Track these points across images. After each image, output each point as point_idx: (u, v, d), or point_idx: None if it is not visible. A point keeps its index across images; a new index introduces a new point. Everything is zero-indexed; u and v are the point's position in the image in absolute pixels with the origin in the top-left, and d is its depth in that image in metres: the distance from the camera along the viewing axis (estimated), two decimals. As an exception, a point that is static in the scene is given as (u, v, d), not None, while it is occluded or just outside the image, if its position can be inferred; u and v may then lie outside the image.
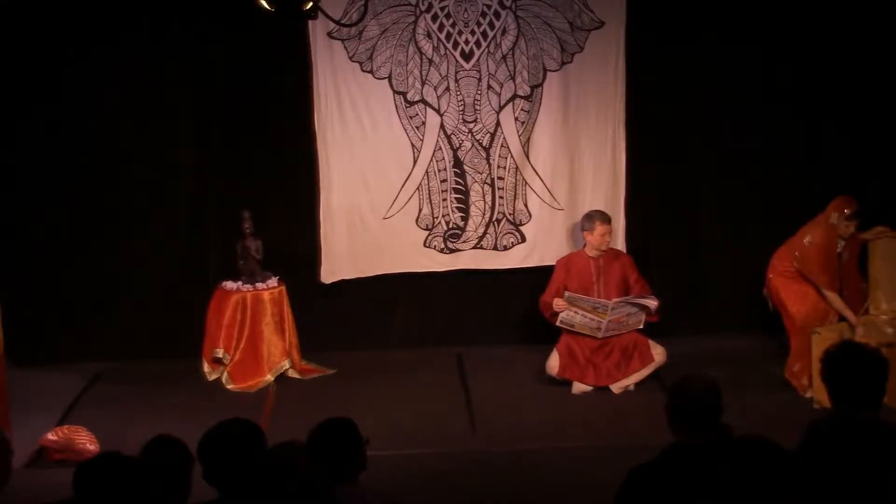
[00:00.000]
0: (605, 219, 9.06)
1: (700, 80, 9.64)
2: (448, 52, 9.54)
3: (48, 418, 8.30)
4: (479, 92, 9.60)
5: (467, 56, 9.56)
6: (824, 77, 9.67)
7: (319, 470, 4.70)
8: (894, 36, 9.40)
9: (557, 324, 8.94)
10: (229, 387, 9.11)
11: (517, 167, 9.71)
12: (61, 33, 9.16)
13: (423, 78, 9.57)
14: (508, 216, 9.79)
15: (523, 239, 9.82)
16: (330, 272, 9.75)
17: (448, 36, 9.53)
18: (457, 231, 9.80)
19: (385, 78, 9.55)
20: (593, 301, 8.84)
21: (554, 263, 9.27)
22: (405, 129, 9.62)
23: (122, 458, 4.26)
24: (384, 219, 9.72)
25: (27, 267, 9.47)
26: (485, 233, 9.81)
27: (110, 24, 9.19)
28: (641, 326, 8.92)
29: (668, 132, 9.77)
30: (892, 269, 8.84)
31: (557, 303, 8.90)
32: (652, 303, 8.85)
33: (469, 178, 9.73)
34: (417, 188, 9.70)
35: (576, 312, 8.88)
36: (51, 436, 7.77)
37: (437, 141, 9.65)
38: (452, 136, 9.66)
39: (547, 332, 9.19)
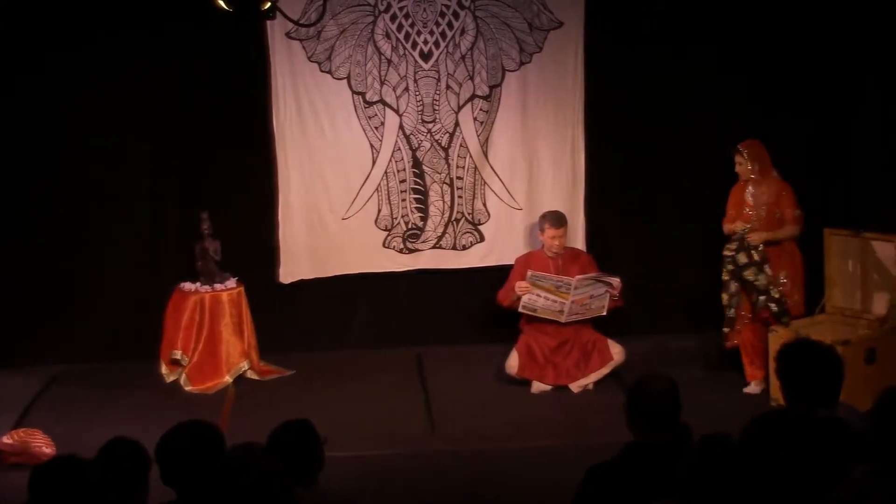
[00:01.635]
0: (556, 223, 9.01)
1: (659, 81, 9.67)
2: (407, 52, 9.55)
3: (3, 422, 8.22)
4: (437, 92, 9.61)
5: (426, 56, 9.57)
6: (780, 76, 9.74)
7: (278, 471, 4.70)
8: (850, 33, 9.46)
9: (520, 308, 8.93)
10: (188, 388, 9.07)
11: (476, 167, 9.73)
12: (17, 33, 9.08)
13: (382, 78, 9.57)
14: (467, 216, 9.80)
15: (482, 238, 9.84)
16: (289, 273, 9.73)
17: (407, 36, 9.53)
18: (416, 231, 9.80)
19: (344, 78, 9.54)
20: (556, 279, 8.82)
21: (513, 262, 9.28)
22: (364, 130, 9.61)
23: (78, 460, 4.24)
24: (343, 219, 9.70)
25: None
26: (444, 233, 9.82)
27: (67, 25, 9.12)
28: (604, 313, 8.92)
29: (627, 132, 9.81)
30: (847, 267, 8.91)
31: (520, 285, 8.88)
32: (614, 279, 8.86)
33: (428, 179, 9.74)
34: (376, 189, 9.69)
35: (538, 296, 8.88)
36: (6, 439, 7.71)
37: (396, 141, 9.66)
38: (411, 136, 9.66)
39: (506, 332, 9.22)
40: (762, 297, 8.43)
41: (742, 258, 8.50)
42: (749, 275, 8.46)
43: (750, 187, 8.70)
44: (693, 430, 4.68)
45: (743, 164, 8.67)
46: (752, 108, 9.75)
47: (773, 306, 8.41)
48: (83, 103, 9.38)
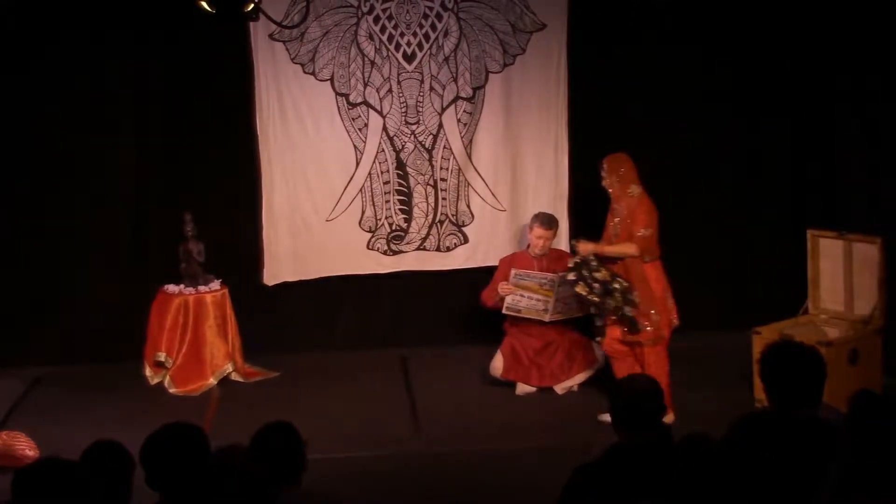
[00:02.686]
0: (545, 223, 9.04)
1: (642, 81, 9.71)
2: (390, 53, 9.55)
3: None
4: (421, 94, 9.62)
5: (409, 58, 9.58)
6: (764, 76, 9.78)
7: (262, 473, 4.71)
8: (831, 33, 9.51)
9: (504, 310, 8.95)
10: (172, 391, 9.07)
11: (460, 168, 9.74)
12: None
13: (366, 80, 9.57)
14: (451, 217, 9.81)
15: (466, 240, 9.86)
16: (273, 274, 9.73)
17: (390, 38, 9.53)
18: (400, 233, 9.81)
19: (327, 80, 9.54)
20: (540, 276, 8.81)
21: (497, 264, 9.29)
22: (347, 131, 9.62)
23: (61, 463, 4.22)
24: (327, 221, 9.71)
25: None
26: (428, 234, 9.83)
27: (49, 24, 9.10)
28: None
29: (611, 133, 9.81)
30: (832, 268, 8.92)
31: (503, 286, 8.89)
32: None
33: (412, 180, 9.74)
34: (360, 190, 9.70)
35: (522, 296, 8.89)
36: (-11, 441, 7.71)
37: (380, 143, 9.66)
38: (395, 137, 9.67)
39: (491, 334, 9.23)
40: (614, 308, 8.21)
41: (584, 272, 8.27)
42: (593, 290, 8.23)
43: (613, 202, 8.45)
44: (678, 430, 4.69)
45: (604, 179, 8.40)
46: (735, 108, 9.82)
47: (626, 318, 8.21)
48: (66, 104, 9.37)
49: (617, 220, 8.34)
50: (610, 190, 8.40)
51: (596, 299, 8.17)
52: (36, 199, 9.36)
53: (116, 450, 4.74)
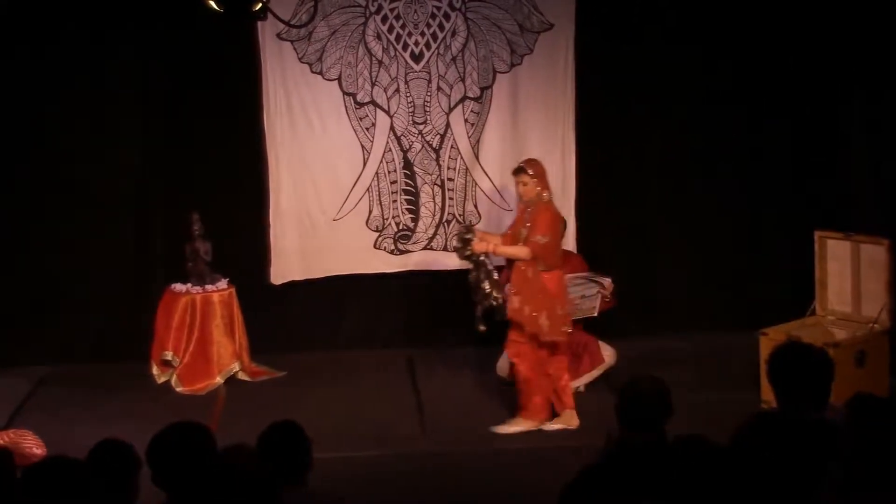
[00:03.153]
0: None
1: (649, 82, 9.73)
2: (398, 53, 9.56)
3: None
4: (428, 93, 9.63)
5: (417, 57, 9.59)
6: (768, 76, 9.79)
7: (268, 472, 4.70)
8: (835, 33, 9.50)
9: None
10: (178, 389, 9.09)
11: (467, 168, 9.75)
12: (1, 32, 9.06)
13: (373, 79, 9.58)
14: (458, 217, 9.82)
15: (473, 240, 9.85)
16: (279, 273, 9.75)
17: (398, 37, 9.55)
18: (407, 232, 9.82)
19: (335, 79, 9.56)
20: None
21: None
22: (355, 131, 9.63)
23: (68, 461, 4.24)
24: (334, 220, 9.73)
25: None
26: (435, 234, 9.84)
27: (52, 23, 9.13)
28: (596, 314, 8.93)
29: (618, 134, 9.85)
30: (840, 270, 8.91)
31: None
32: (605, 280, 8.88)
33: (419, 180, 9.76)
34: (367, 190, 9.71)
35: None
36: (-3, 439, 7.72)
37: (387, 142, 9.67)
38: (402, 137, 9.68)
39: (497, 334, 9.21)
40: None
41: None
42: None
43: (525, 207, 8.24)
44: (686, 430, 4.68)
45: (525, 183, 8.12)
46: (741, 108, 9.82)
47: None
48: (69, 103, 9.41)
49: (529, 225, 8.13)
50: (526, 197, 8.14)
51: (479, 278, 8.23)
52: (40, 199, 9.37)
53: (123, 448, 4.74)
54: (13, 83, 9.29)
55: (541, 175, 8.12)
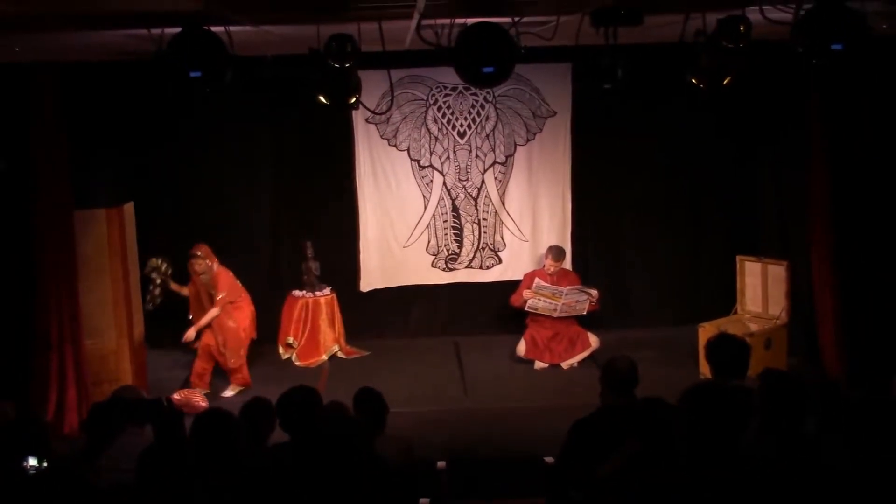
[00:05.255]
0: (555, 255, 8.96)
1: (624, 148, 9.56)
2: (448, 131, 9.59)
3: (174, 384, 8.35)
4: (469, 160, 9.64)
5: (462, 134, 9.61)
6: (706, 140, 9.53)
7: (358, 421, 4.75)
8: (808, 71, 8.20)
9: (526, 308, 8.95)
10: (297, 364, 9.12)
11: (496, 211, 9.75)
12: (185, 100, 8.68)
13: (431, 150, 9.60)
14: (490, 245, 9.81)
15: (500, 261, 9.84)
16: (366, 283, 9.75)
17: (448, 121, 9.57)
18: (454, 256, 9.82)
19: (405, 150, 9.58)
20: (553, 288, 8.85)
21: (522, 277, 9.29)
22: (418, 186, 9.65)
23: (224, 412, 4.29)
24: (404, 247, 9.73)
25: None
26: (474, 257, 9.83)
27: (213, 111, 9.01)
28: (585, 313, 8.90)
29: (602, 186, 9.75)
30: (754, 282, 8.88)
31: (526, 293, 8.92)
32: (593, 291, 8.86)
33: (463, 219, 9.76)
34: (427, 226, 9.72)
35: (539, 299, 8.89)
36: (176, 395, 7.82)
37: (441, 193, 9.68)
38: (451, 189, 9.69)
39: (517, 326, 9.21)
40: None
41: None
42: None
43: (201, 277, 8.23)
44: (649, 395, 4.67)
45: (199, 261, 8.09)
46: (695, 166, 9.59)
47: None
48: (230, 163, 9.38)
49: (213, 292, 8.17)
50: (202, 273, 8.13)
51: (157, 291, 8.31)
52: (201, 234, 8.94)
53: (263, 403, 4.81)
54: (196, 149, 9.32)
55: (209, 254, 8.20)
